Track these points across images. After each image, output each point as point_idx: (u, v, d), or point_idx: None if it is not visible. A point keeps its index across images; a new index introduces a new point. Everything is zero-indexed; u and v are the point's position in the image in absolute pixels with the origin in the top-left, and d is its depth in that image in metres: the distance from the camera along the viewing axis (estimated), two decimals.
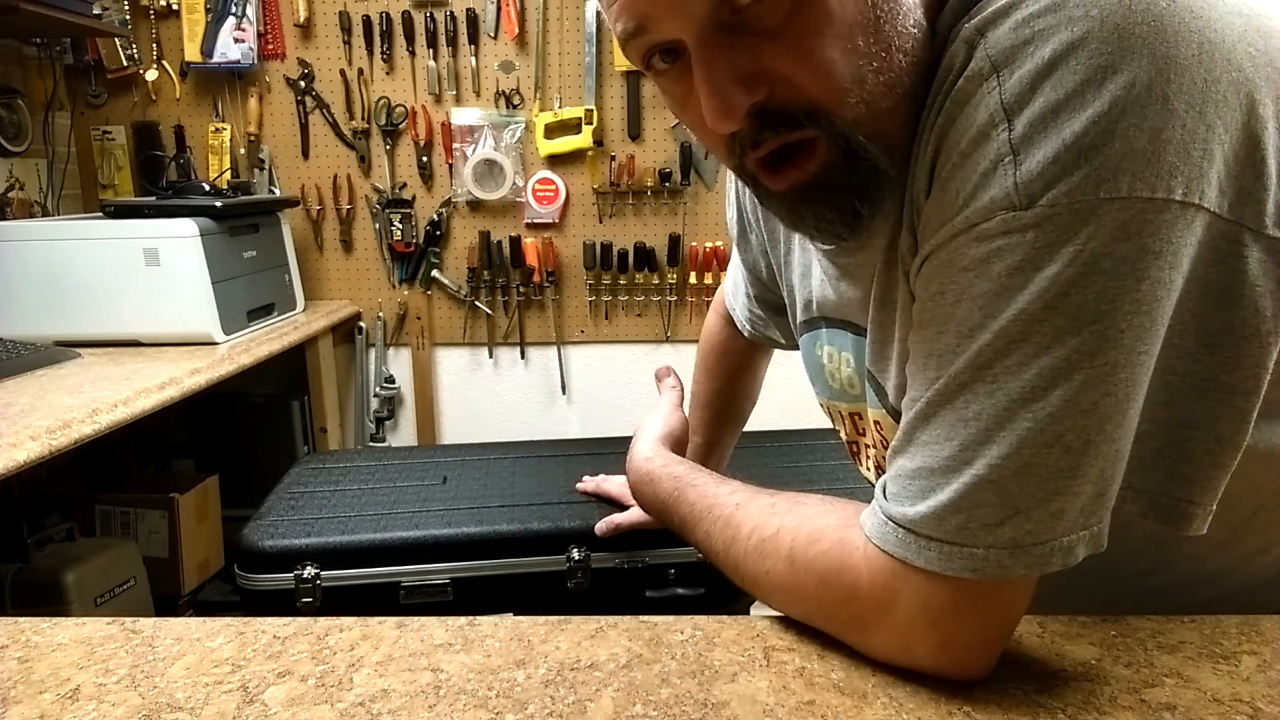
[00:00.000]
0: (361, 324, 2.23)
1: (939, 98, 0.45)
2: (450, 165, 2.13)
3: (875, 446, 0.68)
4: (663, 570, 1.15)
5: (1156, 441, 0.45)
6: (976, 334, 0.43)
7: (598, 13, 2.00)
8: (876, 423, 0.65)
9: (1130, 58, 0.39)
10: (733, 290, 0.96)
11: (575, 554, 1.13)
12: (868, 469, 0.72)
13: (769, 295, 0.87)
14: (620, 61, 2.05)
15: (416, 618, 0.55)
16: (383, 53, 2.07)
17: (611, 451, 1.30)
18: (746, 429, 1.09)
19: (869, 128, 0.47)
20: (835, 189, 0.49)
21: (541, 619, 0.55)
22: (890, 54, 0.46)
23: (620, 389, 2.27)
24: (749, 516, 0.57)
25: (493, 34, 2.06)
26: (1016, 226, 0.41)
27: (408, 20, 2.05)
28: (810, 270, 0.70)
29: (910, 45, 0.47)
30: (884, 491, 0.48)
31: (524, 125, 2.09)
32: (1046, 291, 0.41)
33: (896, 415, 0.60)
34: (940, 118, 0.45)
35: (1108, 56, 0.39)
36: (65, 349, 1.50)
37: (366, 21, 2.05)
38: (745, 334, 0.95)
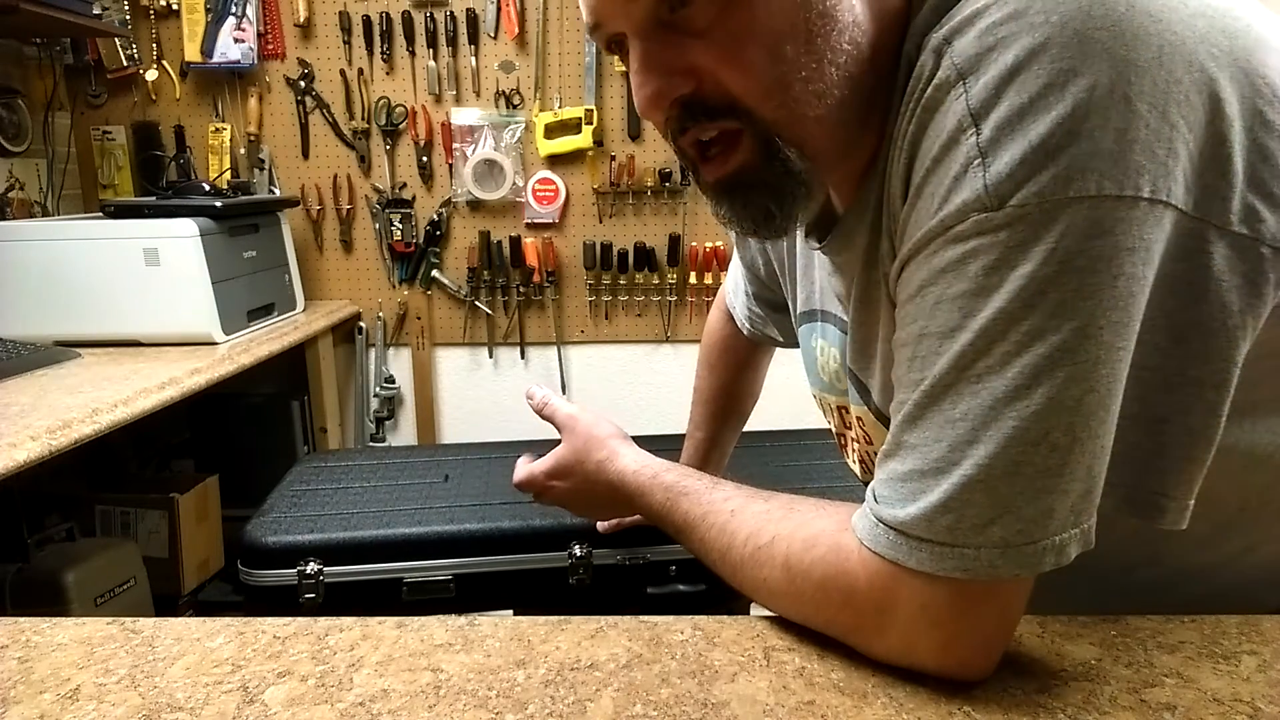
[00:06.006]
0: (361, 324, 2.23)
1: (910, 105, 0.47)
2: (450, 165, 2.13)
3: (859, 441, 0.69)
4: (664, 566, 1.15)
5: (1130, 436, 0.45)
6: (957, 334, 0.43)
7: None
8: (859, 418, 0.66)
9: (1090, 61, 0.40)
10: (733, 289, 0.98)
11: (577, 550, 1.13)
12: (853, 461, 0.73)
13: (767, 293, 0.89)
14: (620, 61, 2.04)
15: (416, 618, 0.55)
16: (383, 53, 2.07)
17: None
18: (746, 429, 1.09)
19: (790, 132, 0.50)
20: (751, 188, 0.53)
21: (541, 619, 0.55)
22: (822, 66, 0.48)
23: (620, 389, 2.27)
24: (744, 524, 0.56)
25: (493, 34, 2.06)
26: (989, 227, 0.42)
27: (408, 20, 2.05)
28: (813, 262, 0.71)
29: (844, 61, 0.48)
30: (874, 495, 0.48)
31: (524, 125, 2.09)
32: (1024, 290, 0.41)
33: (878, 413, 0.61)
34: (912, 125, 0.46)
35: (1068, 60, 0.40)
36: (65, 349, 1.50)
37: (366, 21, 2.05)
38: (745, 332, 0.97)
